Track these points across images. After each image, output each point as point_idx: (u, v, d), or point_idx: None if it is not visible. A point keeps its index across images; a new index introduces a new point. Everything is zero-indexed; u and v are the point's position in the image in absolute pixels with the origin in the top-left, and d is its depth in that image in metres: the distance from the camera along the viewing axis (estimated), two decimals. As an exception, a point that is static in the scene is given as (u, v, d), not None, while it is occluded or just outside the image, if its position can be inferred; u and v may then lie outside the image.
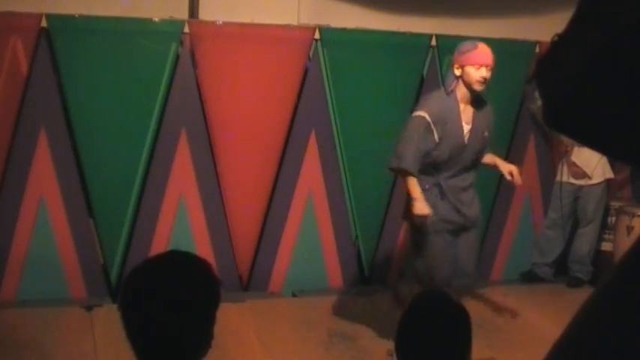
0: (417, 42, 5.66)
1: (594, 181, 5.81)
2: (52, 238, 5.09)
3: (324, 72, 5.45)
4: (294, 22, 5.46)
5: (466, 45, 4.14)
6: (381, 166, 5.72)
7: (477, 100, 4.27)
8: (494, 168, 4.51)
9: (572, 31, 0.89)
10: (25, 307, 4.98)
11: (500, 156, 5.95)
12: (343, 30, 5.51)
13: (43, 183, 5.03)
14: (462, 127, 4.20)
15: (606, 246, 6.03)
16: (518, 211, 6.17)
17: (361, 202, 5.69)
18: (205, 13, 5.31)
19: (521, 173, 4.48)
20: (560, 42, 0.91)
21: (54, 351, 4.37)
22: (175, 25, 5.17)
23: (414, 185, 4.14)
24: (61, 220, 5.09)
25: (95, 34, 4.99)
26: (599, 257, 6.02)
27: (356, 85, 5.54)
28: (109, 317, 4.85)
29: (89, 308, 5.03)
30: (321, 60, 5.43)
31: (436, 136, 4.12)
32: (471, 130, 4.23)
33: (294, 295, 5.50)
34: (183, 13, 5.39)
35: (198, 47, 5.18)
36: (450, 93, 4.19)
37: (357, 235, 5.74)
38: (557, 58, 0.90)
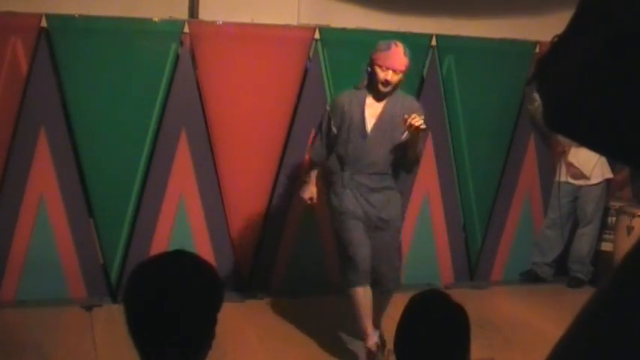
0: (417, 42, 5.65)
1: (593, 181, 5.81)
2: (52, 238, 5.09)
3: (324, 72, 5.45)
4: (294, 22, 5.46)
5: (383, 44, 4.15)
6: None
7: (397, 100, 4.22)
8: (409, 140, 4.18)
9: (572, 31, 0.89)
10: (24, 307, 4.98)
11: (500, 156, 6.00)
12: (343, 30, 5.51)
13: (43, 183, 5.03)
14: (364, 119, 4.19)
15: (606, 246, 6.03)
16: (518, 211, 6.17)
17: (361, 202, 5.69)
18: (205, 13, 5.31)
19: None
20: (560, 42, 0.90)
21: (54, 351, 4.37)
22: (175, 25, 5.17)
23: (309, 171, 4.42)
24: (61, 220, 5.09)
25: (95, 34, 5.00)
26: (599, 257, 6.02)
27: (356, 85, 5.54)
28: (109, 317, 4.86)
29: (89, 308, 5.03)
30: (321, 60, 5.43)
31: (334, 129, 4.22)
32: (378, 125, 4.19)
33: (294, 296, 5.50)
34: (183, 13, 5.39)
35: (198, 47, 5.18)
36: (360, 88, 4.24)
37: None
38: (556, 58, 0.90)
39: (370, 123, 4.19)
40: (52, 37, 4.93)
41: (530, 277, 6.11)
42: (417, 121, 3.95)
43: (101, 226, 5.20)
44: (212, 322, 1.93)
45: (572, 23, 0.89)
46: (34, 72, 4.92)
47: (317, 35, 5.40)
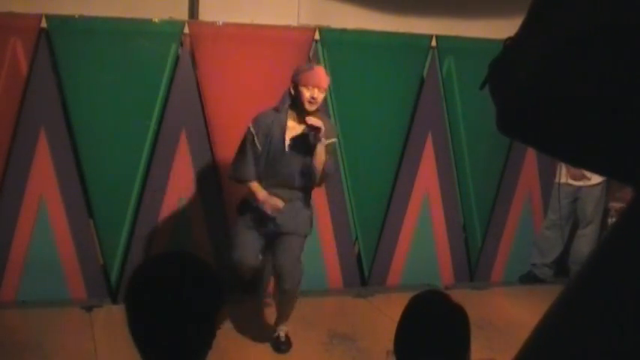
0: (417, 43, 5.66)
1: (593, 182, 5.81)
2: (52, 238, 5.09)
3: (324, 72, 5.44)
4: (294, 23, 5.46)
5: (303, 66, 4.48)
6: (381, 166, 5.74)
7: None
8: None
9: (526, 33, 0.88)
10: (25, 307, 4.98)
11: (500, 156, 6.00)
12: (343, 31, 5.51)
13: (43, 183, 5.03)
14: (284, 140, 4.39)
15: (607, 247, 6.03)
16: (518, 211, 6.17)
17: (361, 202, 5.69)
18: (205, 14, 5.31)
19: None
20: (514, 45, 0.90)
21: (54, 352, 4.37)
22: (175, 25, 5.17)
23: (256, 189, 4.43)
24: (61, 220, 5.09)
25: (95, 35, 5.00)
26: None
27: (356, 86, 5.55)
28: (109, 318, 4.86)
29: (89, 309, 5.03)
30: (321, 61, 5.43)
31: (258, 146, 4.40)
32: (294, 143, 4.38)
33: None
34: (183, 14, 5.39)
35: (199, 48, 5.18)
36: (281, 110, 4.40)
37: (357, 236, 5.74)
38: (510, 61, 0.89)
39: (288, 142, 4.40)
40: (52, 38, 4.93)
41: (530, 278, 6.12)
42: (314, 121, 4.22)
43: (101, 226, 5.20)
44: (212, 322, 1.94)
45: (526, 25, 0.89)
46: (34, 72, 4.92)
47: (317, 36, 5.40)
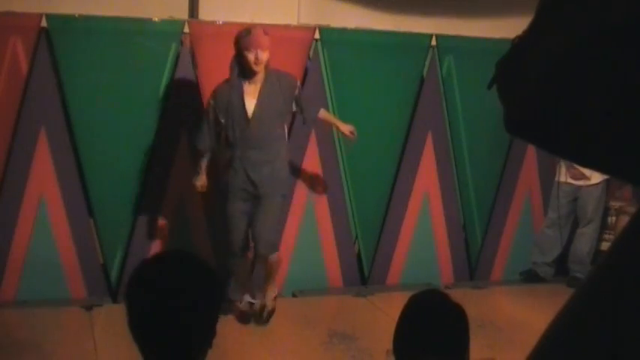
0: (417, 42, 5.66)
1: (593, 181, 5.81)
2: (52, 238, 5.09)
3: (324, 72, 5.45)
4: (294, 22, 5.46)
5: (242, 32, 4.60)
6: (381, 166, 5.74)
7: (274, 78, 4.66)
8: (331, 126, 5.02)
9: (535, 32, 0.88)
10: (25, 307, 4.98)
11: (500, 156, 6.01)
12: (343, 30, 5.51)
13: (43, 183, 5.04)
14: (244, 105, 4.62)
15: (606, 246, 6.00)
16: (518, 211, 6.17)
17: (361, 202, 5.69)
18: (205, 13, 5.31)
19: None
20: (523, 43, 0.90)
21: (54, 351, 4.37)
22: (175, 25, 5.17)
23: (200, 161, 4.80)
24: (61, 220, 5.09)
25: (95, 34, 5.00)
26: (599, 257, 6.01)
27: (356, 85, 5.54)
28: (109, 317, 4.85)
29: (89, 308, 5.03)
30: (321, 60, 5.43)
31: (221, 118, 4.65)
32: (258, 107, 4.61)
33: (294, 295, 5.50)
34: (183, 13, 5.39)
35: (199, 47, 5.18)
36: (234, 78, 4.63)
37: (357, 235, 5.74)
38: (519, 60, 0.89)
39: (250, 106, 4.62)
40: (52, 37, 4.93)
41: (531, 277, 6.12)
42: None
43: (101, 226, 5.20)
44: (212, 320, 1.94)
45: (535, 24, 0.88)
46: (34, 72, 4.92)
47: (317, 35, 5.40)
